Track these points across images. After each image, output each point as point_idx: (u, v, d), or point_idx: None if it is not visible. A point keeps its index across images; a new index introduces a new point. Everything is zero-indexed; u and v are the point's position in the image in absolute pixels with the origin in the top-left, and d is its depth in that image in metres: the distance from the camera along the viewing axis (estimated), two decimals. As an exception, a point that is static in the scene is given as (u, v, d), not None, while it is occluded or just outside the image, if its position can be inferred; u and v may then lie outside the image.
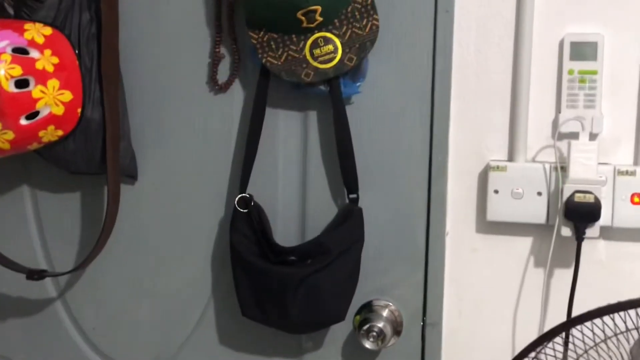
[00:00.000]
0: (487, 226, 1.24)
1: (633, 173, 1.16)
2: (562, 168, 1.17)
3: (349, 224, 1.15)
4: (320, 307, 1.14)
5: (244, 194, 1.18)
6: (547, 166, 1.19)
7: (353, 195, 1.17)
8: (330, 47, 1.10)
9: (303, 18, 1.07)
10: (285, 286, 1.13)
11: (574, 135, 1.17)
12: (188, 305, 1.31)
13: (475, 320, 1.27)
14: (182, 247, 1.29)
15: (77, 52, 1.15)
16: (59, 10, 1.15)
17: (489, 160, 1.22)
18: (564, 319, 1.19)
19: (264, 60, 1.12)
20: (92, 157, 1.19)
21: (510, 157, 1.22)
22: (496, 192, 1.20)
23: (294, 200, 1.23)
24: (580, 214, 1.15)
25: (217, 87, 1.21)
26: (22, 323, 1.37)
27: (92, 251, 1.22)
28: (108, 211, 1.20)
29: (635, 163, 1.18)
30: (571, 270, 1.20)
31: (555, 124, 1.20)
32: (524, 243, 1.23)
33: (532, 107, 1.20)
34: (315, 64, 1.10)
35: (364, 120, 1.19)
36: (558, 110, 1.19)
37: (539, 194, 1.19)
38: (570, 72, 1.17)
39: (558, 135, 1.19)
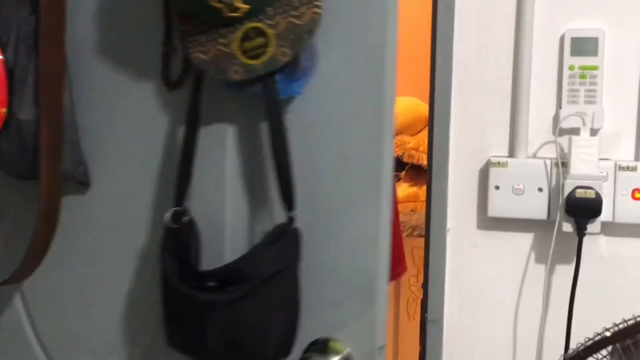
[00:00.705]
0: (488, 222, 1.24)
1: (634, 168, 1.16)
2: (563, 164, 1.17)
3: (278, 246, 0.98)
4: (244, 343, 0.98)
5: (177, 208, 1.02)
6: (548, 162, 1.19)
7: (290, 213, 0.99)
8: (262, 39, 0.95)
9: (220, 6, 0.93)
10: (203, 316, 0.97)
11: (575, 131, 1.17)
12: (141, 326, 1.17)
13: (476, 316, 1.27)
14: (132, 260, 1.15)
15: (7, 48, 1.05)
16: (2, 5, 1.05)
17: (490, 156, 1.22)
18: (565, 314, 1.19)
19: (192, 56, 0.98)
20: (31, 161, 1.07)
21: (511, 153, 1.21)
22: (497, 188, 1.20)
23: (242, 215, 1.07)
24: (582, 210, 1.15)
25: (168, 84, 1.08)
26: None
27: (21, 266, 1.09)
28: (38, 225, 1.06)
29: (637, 158, 1.18)
30: (572, 266, 1.19)
31: (556, 119, 1.19)
32: (525, 239, 1.23)
33: (532, 103, 1.20)
34: (244, 59, 0.96)
35: (308, 126, 1.02)
36: (559, 105, 1.19)
37: (540, 189, 1.19)
38: (571, 67, 1.17)
39: (559, 131, 1.18)
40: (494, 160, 1.20)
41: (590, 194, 1.14)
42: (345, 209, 1.02)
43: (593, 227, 1.16)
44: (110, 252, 1.16)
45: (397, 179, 2.23)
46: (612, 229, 1.20)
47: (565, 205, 1.15)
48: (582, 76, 1.16)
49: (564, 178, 1.16)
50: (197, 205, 1.05)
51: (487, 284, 1.26)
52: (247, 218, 1.07)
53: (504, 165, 1.20)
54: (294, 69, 0.98)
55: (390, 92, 1.00)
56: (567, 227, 1.17)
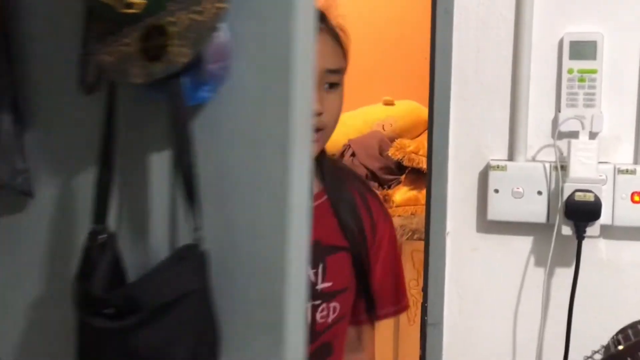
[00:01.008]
0: (488, 225, 1.24)
1: (633, 172, 1.16)
2: (562, 167, 1.17)
3: (177, 271, 0.89)
4: None
5: (97, 225, 0.93)
6: (547, 165, 1.19)
7: (195, 234, 0.89)
8: (163, 39, 0.88)
9: (110, 1, 0.87)
10: (99, 344, 0.90)
11: (574, 134, 1.17)
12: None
13: (476, 318, 1.27)
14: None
15: None
16: None
17: (489, 159, 1.22)
18: (564, 317, 1.19)
19: (98, 58, 0.90)
20: None
21: (511, 157, 1.22)
22: (496, 191, 1.21)
23: (164, 233, 0.96)
24: (581, 213, 1.15)
25: (86, 88, 0.98)
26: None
27: None
28: None
29: (636, 162, 1.18)
30: (572, 269, 1.20)
31: (555, 123, 1.20)
32: (525, 242, 1.23)
33: (532, 107, 1.20)
34: (144, 61, 0.89)
35: (216, 135, 0.92)
36: (558, 109, 1.19)
37: (539, 193, 1.19)
38: (570, 71, 1.17)
39: (558, 134, 1.19)
40: (493, 163, 1.20)
41: (590, 197, 1.14)
42: (252, 230, 0.90)
43: (592, 230, 1.16)
44: (56, 268, 1.05)
45: (397, 182, 2.24)
46: (611, 232, 1.20)
47: (565, 208, 1.16)
48: (581, 79, 1.17)
49: (563, 181, 1.16)
50: (120, 223, 0.96)
51: (486, 287, 1.26)
52: (172, 236, 0.97)
53: (504, 168, 1.20)
54: (200, 71, 0.88)
55: (301, 98, 0.88)
56: (567, 231, 1.17)
